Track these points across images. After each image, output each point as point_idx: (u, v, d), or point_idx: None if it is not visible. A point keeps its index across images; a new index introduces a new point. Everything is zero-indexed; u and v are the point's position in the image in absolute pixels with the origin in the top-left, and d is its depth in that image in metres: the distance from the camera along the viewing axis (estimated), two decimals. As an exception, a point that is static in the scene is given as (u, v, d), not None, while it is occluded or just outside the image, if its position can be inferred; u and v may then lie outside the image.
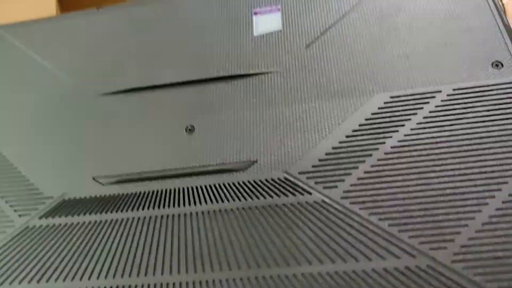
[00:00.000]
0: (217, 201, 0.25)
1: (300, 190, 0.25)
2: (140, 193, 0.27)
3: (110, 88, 0.31)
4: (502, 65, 0.27)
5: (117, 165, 0.28)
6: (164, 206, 0.26)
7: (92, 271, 0.24)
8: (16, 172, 0.29)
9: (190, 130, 0.28)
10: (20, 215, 0.27)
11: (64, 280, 0.24)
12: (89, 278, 0.24)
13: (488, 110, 0.25)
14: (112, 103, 0.31)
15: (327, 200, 0.24)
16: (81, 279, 0.24)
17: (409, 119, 0.26)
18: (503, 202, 0.22)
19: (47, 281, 0.24)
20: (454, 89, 0.26)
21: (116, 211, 0.26)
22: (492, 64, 0.27)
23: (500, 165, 0.23)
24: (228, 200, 0.25)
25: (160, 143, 0.28)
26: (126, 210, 0.26)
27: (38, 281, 0.24)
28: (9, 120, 0.31)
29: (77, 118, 0.30)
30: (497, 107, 0.25)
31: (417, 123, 0.25)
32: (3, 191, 0.28)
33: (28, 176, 0.28)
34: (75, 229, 0.26)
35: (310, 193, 0.25)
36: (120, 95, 0.31)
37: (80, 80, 0.32)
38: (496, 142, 0.24)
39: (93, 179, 0.28)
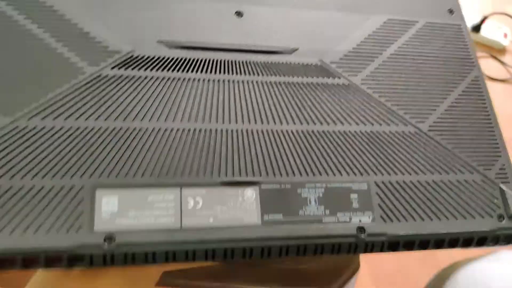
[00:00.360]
0: (266, 74, 0.32)
1: (330, 74, 0.33)
2: (201, 59, 0.31)
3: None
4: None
5: (178, 34, 0.31)
6: (222, 72, 0.31)
7: (160, 114, 0.29)
8: (78, 28, 0.30)
9: (239, 14, 0.33)
10: (89, 64, 0.29)
11: (133, 120, 0.28)
12: (157, 120, 0.28)
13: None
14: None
15: (349, 83, 0.33)
16: (149, 120, 0.28)
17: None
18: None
19: (115, 119, 0.28)
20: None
21: (182, 71, 0.30)
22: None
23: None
24: (275, 75, 0.32)
25: (210, 21, 0.32)
26: (191, 71, 0.30)
27: (114, 119, 0.28)
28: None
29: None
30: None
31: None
32: (69, 44, 0.29)
33: (88, 28, 0.30)
34: (144, 81, 0.29)
35: (339, 78, 0.33)
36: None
37: None
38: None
39: (159, 42, 0.31)
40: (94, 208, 0.25)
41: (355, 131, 0.31)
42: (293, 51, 0.33)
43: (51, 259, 0.25)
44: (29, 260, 0.24)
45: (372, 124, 0.32)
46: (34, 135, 0.26)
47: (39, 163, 0.26)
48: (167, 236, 0.26)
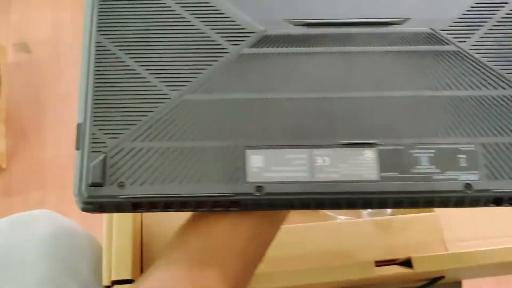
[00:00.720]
0: (380, 45, 0.35)
1: (440, 42, 0.36)
2: (321, 34, 0.35)
3: None
4: None
5: (301, 12, 0.36)
6: (341, 45, 0.35)
7: (291, 86, 0.34)
8: (220, 12, 0.35)
9: (356, -12, 0.37)
10: (232, 44, 0.35)
11: (271, 91, 0.34)
12: (289, 91, 0.34)
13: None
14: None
15: (458, 50, 0.36)
16: (284, 91, 0.34)
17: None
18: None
19: (257, 91, 0.34)
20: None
21: (307, 46, 0.35)
22: None
23: None
24: (388, 45, 0.35)
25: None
26: (314, 46, 0.35)
27: (257, 92, 0.34)
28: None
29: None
30: None
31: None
32: (213, 26, 0.35)
33: (227, 13, 0.35)
34: (277, 57, 0.35)
35: (449, 44, 0.36)
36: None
37: None
38: None
39: (285, 20, 0.35)
40: (246, 164, 0.32)
41: (463, 96, 0.34)
42: (405, 21, 0.36)
43: (216, 204, 0.32)
44: (200, 203, 0.32)
45: (480, 89, 0.35)
46: (197, 106, 0.33)
47: (203, 128, 0.33)
48: (303, 187, 0.32)
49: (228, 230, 0.35)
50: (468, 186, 0.33)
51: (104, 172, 0.31)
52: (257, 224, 0.35)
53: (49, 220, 0.45)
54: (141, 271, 0.46)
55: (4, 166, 1.18)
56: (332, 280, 0.47)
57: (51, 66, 1.31)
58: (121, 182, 0.31)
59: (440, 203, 0.33)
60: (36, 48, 1.33)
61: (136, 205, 0.32)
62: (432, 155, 0.33)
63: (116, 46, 0.34)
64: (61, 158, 1.17)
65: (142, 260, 0.47)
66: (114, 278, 0.44)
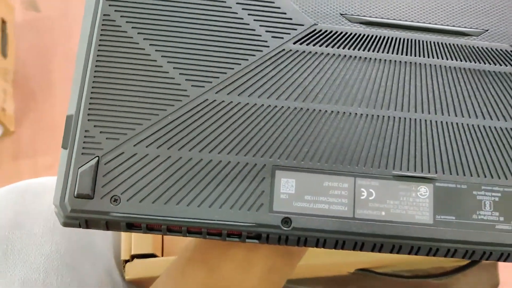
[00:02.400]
0: (450, 58, 0.28)
1: (520, 63, 0.29)
2: (382, 37, 0.28)
3: None
4: None
5: (361, 7, 0.28)
6: (404, 53, 0.28)
7: (338, 96, 0.27)
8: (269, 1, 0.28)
9: (427, -15, 0.29)
10: (273, 37, 0.27)
11: (312, 100, 0.26)
12: (335, 102, 0.26)
13: None
14: None
15: (539, 75, 0.29)
16: (328, 102, 0.26)
17: None
18: None
19: (295, 99, 0.26)
20: None
21: (363, 50, 0.28)
22: None
23: None
24: (460, 60, 0.28)
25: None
26: (372, 50, 0.28)
27: (294, 100, 0.26)
28: None
29: None
30: None
31: None
32: (254, 13, 0.27)
33: (277, 3, 0.28)
34: (325, 59, 0.27)
35: (530, 67, 0.29)
36: None
37: None
38: None
39: (341, 15, 0.28)
40: (274, 188, 0.25)
41: (542, 132, 0.27)
42: (481, 33, 0.29)
43: (231, 234, 0.25)
44: (213, 233, 0.25)
45: None
46: (220, 109, 0.26)
47: (225, 139, 0.25)
48: (339, 225, 0.25)
49: (239, 260, 0.28)
50: None
51: (94, 181, 0.24)
52: (274, 256, 0.28)
53: None
54: (162, 245, 0.42)
55: (12, 129, 1.09)
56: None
57: (59, 24, 1.21)
58: (114, 195, 0.24)
59: (499, 257, 0.26)
60: (44, 6, 1.24)
61: (131, 225, 0.25)
62: (497, 199, 0.26)
63: (128, 22, 0.26)
64: (72, 118, 1.09)
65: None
66: (134, 252, 0.40)
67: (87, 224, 0.24)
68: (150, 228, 0.25)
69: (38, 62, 1.18)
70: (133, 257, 0.39)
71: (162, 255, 0.39)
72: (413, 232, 0.25)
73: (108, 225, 0.25)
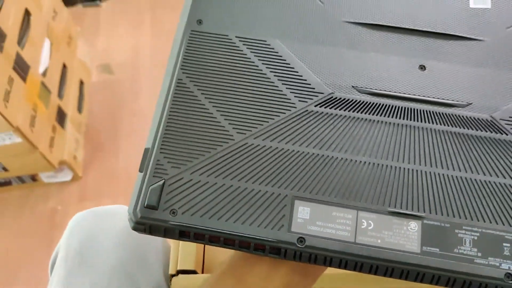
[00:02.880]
0: (440, 124, 0.35)
1: (499, 130, 0.35)
2: (386, 105, 0.36)
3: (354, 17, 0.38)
4: None
5: (369, 81, 0.37)
6: (403, 118, 0.35)
7: (348, 147, 0.34)
8: (293, 71, 0.37)
9: (422, 68, 0.37)
10: (300, 100, 0.36)
11: (327, 149, 0.34)
12: (345, 151, 0.34)
13: None
14: (355, 30, 0.38)
15: (517, 142, 0.35)
16: (339, 151, 0.34)
17: None
18: None
19: (314, 146, 0.34)
20: None
21: (370, 113, 0.35)
22: None
23: None
24: (448, 125, 0.35)
25: (397, 73, 0.37)
26: (377, 114, 0.35)
27: (313, 147, 0.34)
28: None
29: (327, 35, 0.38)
30: None
31: None
32: (285, 82, 0.36)
33: (300, 72, 0.37)
34: (339, 119, 0.35)
35: (507, 134, 0.35)
36: (361, 27, 0.38)
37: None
38: None
39: (352, 87, 0.36)
40: (292, 214, 0.32)
41: (517, 187, 0.33)
42: (467, 105, 0.36)
43: (257, 247, 0.32)
44: (243, 245, 0.32)
45: (536, 183, 0.34)
46: (257, 151, 0.34)
47: (258, 173, 0.33)
48: (343, 247, 0.32)
49: (263, 274, 0.34)
50: (509, 275, 0.31)
51: (160, 196, 0.32)
52: (292, 273, 0.35)
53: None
54: (203, 263, 0.50)
55: (80, 174, 1.25)
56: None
57: (129, 86, 1.39)
58: (173, 209, 0.32)
59: (479, 287, 0.32)
60: (117, 70, 1.42)
61: (183, 234, 0.33)
62: (476, 238, 0.32)
63: (195, 85, 0.36)
64: (132, 168, 1.22)
65: (204, 253, 0.52)
66: (179, 268, 0.47)
67: (151, 229, 0.32)
68: (196, 237, 0.33)
69: (108, 117, 1.33)
70: (178, 272, 0.46)
71: (203, 272, 0.47)
72: (403, 258, 0.31)
73: (166, 232, 0.32)
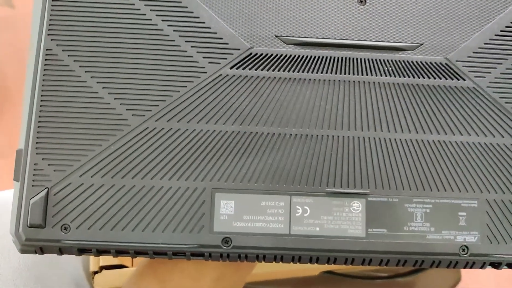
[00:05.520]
0: (384, 75, 0.30)
1: (455, 76, 0.30)
2: (318, 57, 0.30)
3: None
4: None
5: (296, 28, 0.30)
6: (339, 72, 0.30)
7: (275, 118, 0.29)
8: (202, 24, 0.29)
9: (362, 1, 0.31)
10: (210, 62, 0.29)
11: (249, 124, 0.28)
12: (271, 124, 0.28)
13: None
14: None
15: (475, 86, 0.30)
16: (264, 124, 0.29)
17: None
18: None
19: (232, 123, 0.28)
20: None
21: (298, 71, 0.29)
22: None
23: None
24: (394, 75, 0.30)
25: (331, 11, 0.30)
26: (307, 71, 0.29)
27: (232, 124, 0.29)
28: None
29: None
30: None
31: None
32: (191, 40, 0.29)
33: (208, 23, 0.29)
34: (261, 82, 0.29)
35: (465, 79, 0.30)
36: None
37: None
38: None
39: (276, 37, 0.30)
40: (214, 210, 0.28)
41: (473, 143, 0.29)
42: (416, 47, 0.30)
43: (176, 253, 0.28)
44: (158, 253, 0.28)
45: (494, 136, 0.30)
46: (161, 137, 0.28)
47: (166, 165, 0.28)
48: (277, 241, 0.28)
49: (191, 274, 0.30)
50: (465, 249, 0.29)
51: (45, 211, 0.27)
52: (223, 266, 0.31)
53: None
54: None
55: None
56: None
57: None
58: (65, 224, 0.27)
59: (431, 265, 0.29)
60: (19, 3, 1.24)
61: (83, 250, 0.28)
62: (428, 211, 0.29)
63: (70, 56, 0.28)
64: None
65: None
66: (102, 263, 0.43)
67: (42, 250, 0.27)
68: (100, 251, 0.28)
69: (13, 60, 1.19)
70: (102, 268, 0.41)
71: (132, 265, 0.43)
72: (347, 246, 0.28)
73: (62, 251, 0.27)
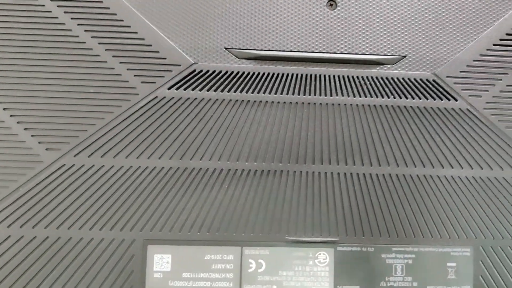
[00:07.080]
0: (359, 95, 0.25)
1: (445, 95, 0.25)
2: (278, 74, 0.25)
3: None
4: None
5: (250, 39, 0.25)
6: (302, 93, 0.25)
7: (222, 151, 0.24)
8: (125, 27, 0.24)
9: (332, 4, 0.26)
10: (143, 82, 0.24)
11: (191, 158, 0.24)
12: (218, 159, 0.24)
13: None
14: None
15: (468, 108, 0.26)
16: (210, 158, 0.24)
17: None
18: None
19: (170, 157, 0.24)
20: None
21: (251, 92, 0.25)
22: None
23: None
24: (370, 95, 0.25)
25: (296, 18, 0.25)
26: (263, 92, 0.25)
27: (169, 158, 0.24)
28: None
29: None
30: None
31: None
32: (120, 54, 0.24)
33: (142, 34, 0.24)
34: (206, 106, 0.24)
35: (456, 99, 0.26)
36: None
37: None
38: None
39: (226, 49, 0.25)
40: (145, 266, 0.23)
41: (466, 177, 0.25)
42: (398, 60, 0.26)
43: None
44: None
45: (492, 168, 0.25)
46: (81, 176, 0.23)
47: (87, 211, 0.23)
48: (223, 304, 0.23)
49: None
50: None
51: None
52: None
53: None
54: None
55: None
56: None
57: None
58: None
59: None
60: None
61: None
62: (411, 262, 0.24)
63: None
64: None
65: None
66: None
67: None
68: None
69: None
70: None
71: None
72: None
73: None
